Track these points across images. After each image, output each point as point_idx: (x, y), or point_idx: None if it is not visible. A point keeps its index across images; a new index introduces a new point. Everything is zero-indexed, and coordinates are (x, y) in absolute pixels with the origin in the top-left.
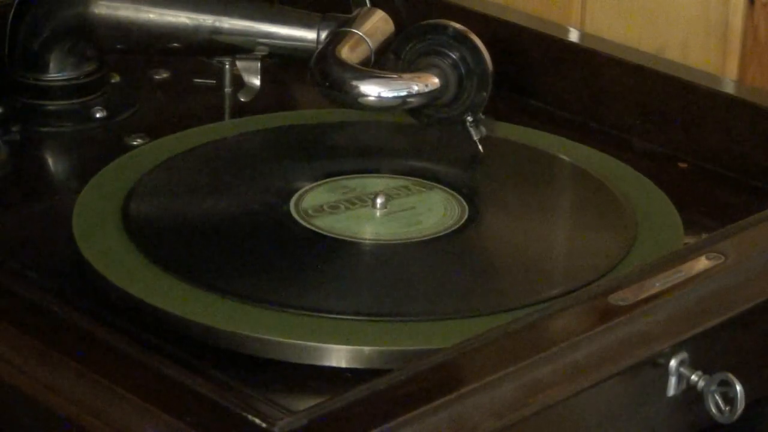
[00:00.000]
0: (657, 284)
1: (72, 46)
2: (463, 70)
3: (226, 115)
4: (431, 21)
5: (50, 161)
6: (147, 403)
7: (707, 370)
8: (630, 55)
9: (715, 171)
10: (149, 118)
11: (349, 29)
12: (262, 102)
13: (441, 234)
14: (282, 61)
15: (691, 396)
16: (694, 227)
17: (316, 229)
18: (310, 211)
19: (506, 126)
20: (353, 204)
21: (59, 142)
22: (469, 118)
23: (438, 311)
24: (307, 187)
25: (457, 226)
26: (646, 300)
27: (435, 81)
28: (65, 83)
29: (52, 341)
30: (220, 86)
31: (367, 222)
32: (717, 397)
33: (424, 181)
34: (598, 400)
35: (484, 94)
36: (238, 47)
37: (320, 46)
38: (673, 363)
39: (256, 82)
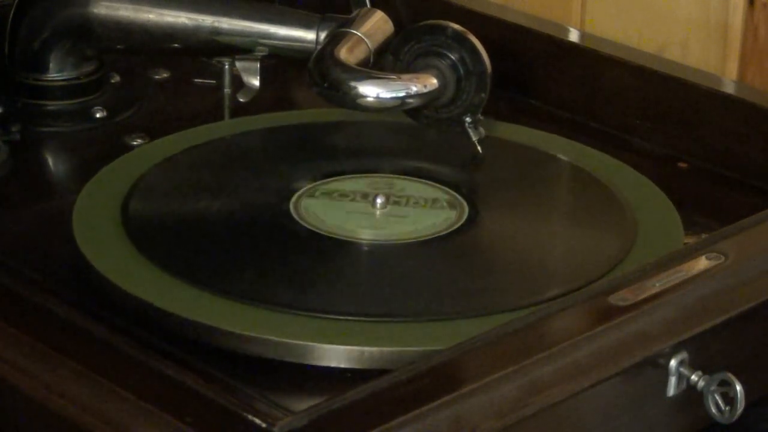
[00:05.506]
0: (657, 284)
1: (72, 46)
2: (461, 71)
3: (226, 115)
4: (430, 22)
5: (50, 161)
6: (147, 403)
7: (707, 370)
8: (630, 55)
9: (715, 171)
10: (149, 118)
11: (348, 30)
12: (262, 102)
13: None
14: (282, 61)
15: (691, 396)
16: (694, 227)
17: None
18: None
19: (506, 126)
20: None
21: (59, 142)
22: (468, 119)
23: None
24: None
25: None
26: (646, 300)
27: (433, 82)
28: (65, 83)
29: (52, 341)
30: (220, 86)
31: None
32: (717, 397)
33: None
34: (598, 400)
35: (483, 95)
36: (238, 47)
37: (319, 47)
38: (673, 363)
39: (256, 82)
